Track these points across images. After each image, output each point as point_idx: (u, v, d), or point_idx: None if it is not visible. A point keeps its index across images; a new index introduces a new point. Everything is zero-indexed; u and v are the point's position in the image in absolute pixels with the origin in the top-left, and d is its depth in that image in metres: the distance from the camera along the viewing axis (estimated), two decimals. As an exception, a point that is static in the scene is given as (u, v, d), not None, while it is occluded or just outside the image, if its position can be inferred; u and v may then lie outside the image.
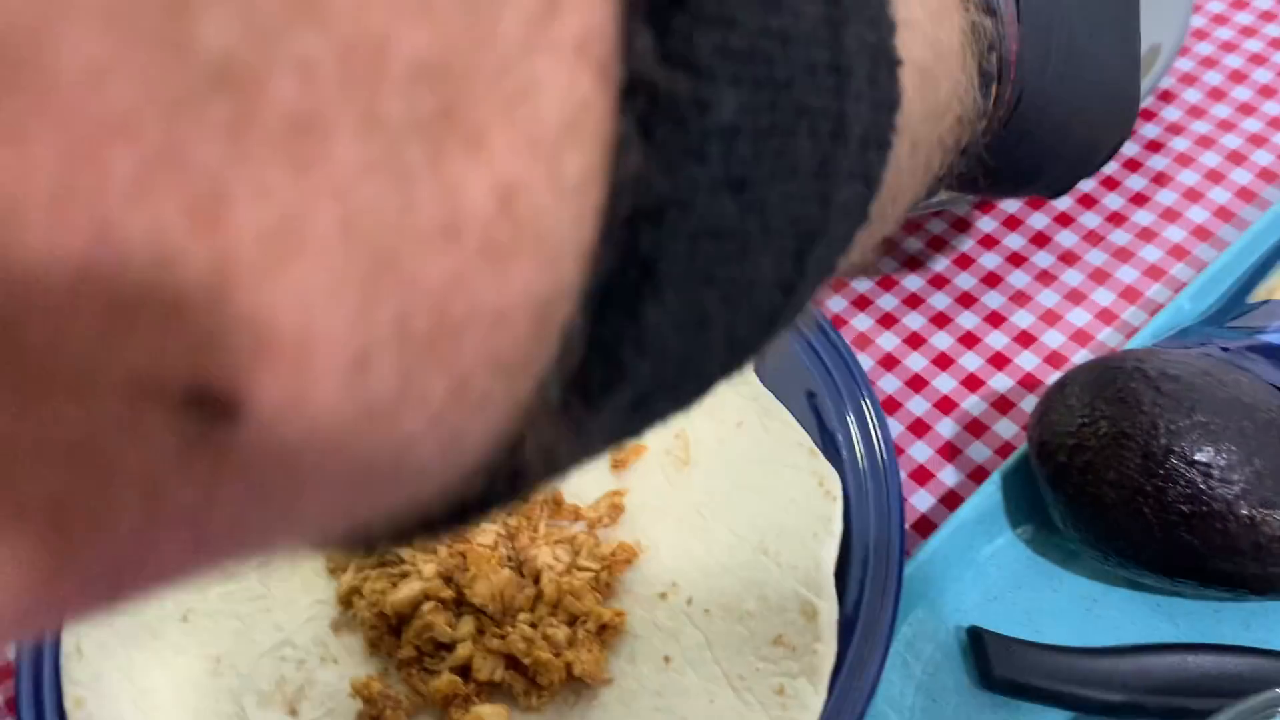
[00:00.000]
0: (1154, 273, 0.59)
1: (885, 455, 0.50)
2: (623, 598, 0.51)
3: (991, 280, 0.61)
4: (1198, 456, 0.42)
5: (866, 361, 0.59)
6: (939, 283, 0.61)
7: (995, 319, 0.59)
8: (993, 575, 0.50)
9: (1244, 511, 0.42)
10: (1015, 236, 0.62)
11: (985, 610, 0.49)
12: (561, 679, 0.48)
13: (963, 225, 0.64)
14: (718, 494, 0.53)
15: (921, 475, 0.55)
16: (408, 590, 0.50)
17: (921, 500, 0.54)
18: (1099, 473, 0.44)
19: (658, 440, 0.56)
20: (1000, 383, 0.57)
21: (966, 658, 0.48)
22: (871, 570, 0.47)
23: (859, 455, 0.50)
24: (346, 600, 0.52)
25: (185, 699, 0.50)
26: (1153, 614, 0.48)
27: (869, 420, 0.51)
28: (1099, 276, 0.60)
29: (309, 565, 0.54)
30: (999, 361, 0.58)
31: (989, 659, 0.46)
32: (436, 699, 0.48)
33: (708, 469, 0.54)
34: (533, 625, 0.49)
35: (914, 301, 0.61)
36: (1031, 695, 0.46)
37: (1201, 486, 0.42)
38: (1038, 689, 0.45)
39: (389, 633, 0.51)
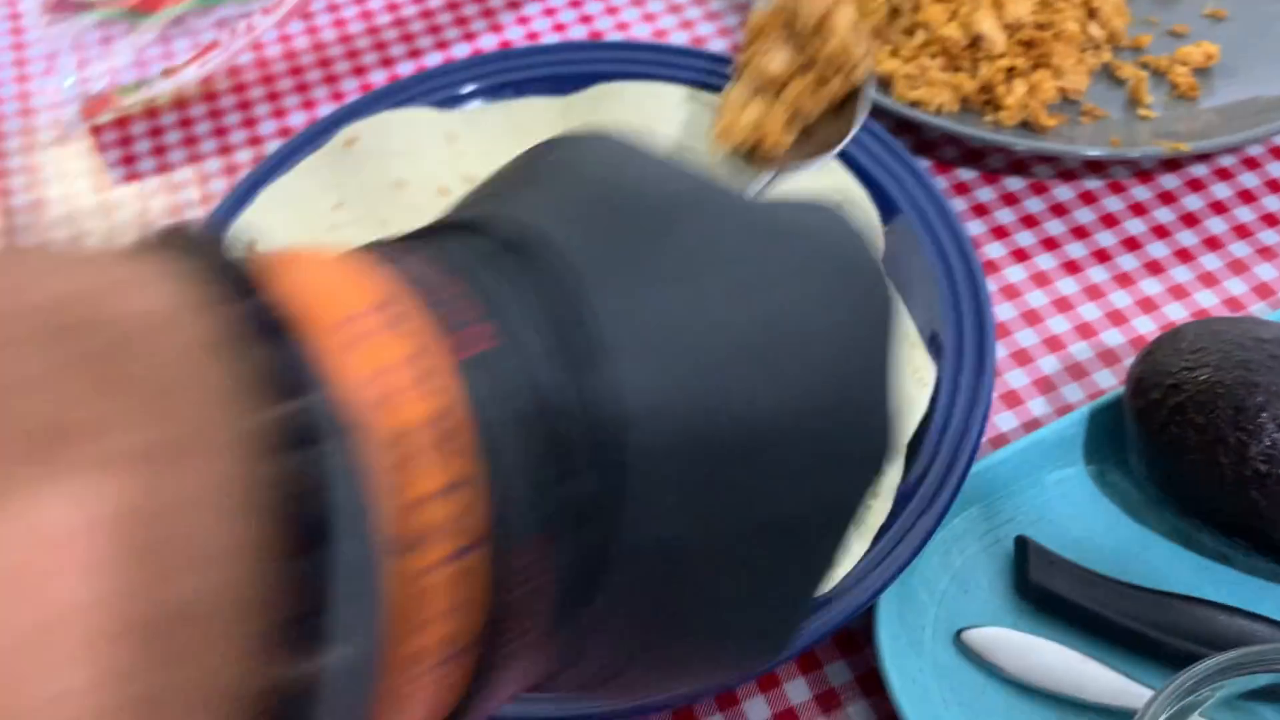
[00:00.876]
0: (1295, 277, 0.59)
1: (986, 356, 0.51)
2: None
3: (1131, 244, 0.61)
4: (1290, 420, 0.43)
5: (989, 285, 0.60)
6: (1080, 233, 0.62)
7: (1124, 279, 0.60)
8: (1054, 500, 0.51)
9: (1319, 486, 0.43)
10: (1165, 210, 0.63)
11: (1038, 528, 0.50)
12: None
13: (1117, 188, 0.64)
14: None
15: (1011, 399, 0.56)
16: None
17: (1005, 421, 0.55)
18: (1188, 414, 0.45)
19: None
20: (1111, 337, 0.58)
21: (1006, 565, 0.50)
22: (943, 453, 0.49)
23: (963, 349, 0.52)
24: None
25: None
26: (1197, 575, 0.49)
27: (982, 320, 0.52)
28: (1236, 267, 0.60)
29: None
30: (1116, 318, 0.58)
31: (1028, 564, 0.48)
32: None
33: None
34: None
35: (1050, 244, 0.62)
36: (1059, 608, 0.47)
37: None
38: (1067, 602, 0.47)
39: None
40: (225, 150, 0.70)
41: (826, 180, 0.61)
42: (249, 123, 0.72)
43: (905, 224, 0.57)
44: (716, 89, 0.65)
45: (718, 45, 0.74)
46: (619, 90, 0.66)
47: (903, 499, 0.48)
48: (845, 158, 0.61)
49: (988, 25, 0.64)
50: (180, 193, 0.68)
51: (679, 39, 0.74)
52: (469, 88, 0.66)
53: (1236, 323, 0.47)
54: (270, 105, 0.73)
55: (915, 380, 0.52)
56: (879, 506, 0.47)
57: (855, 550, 0.46)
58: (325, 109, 0.72)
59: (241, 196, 0.61)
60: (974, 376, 0.51)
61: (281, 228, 0.60)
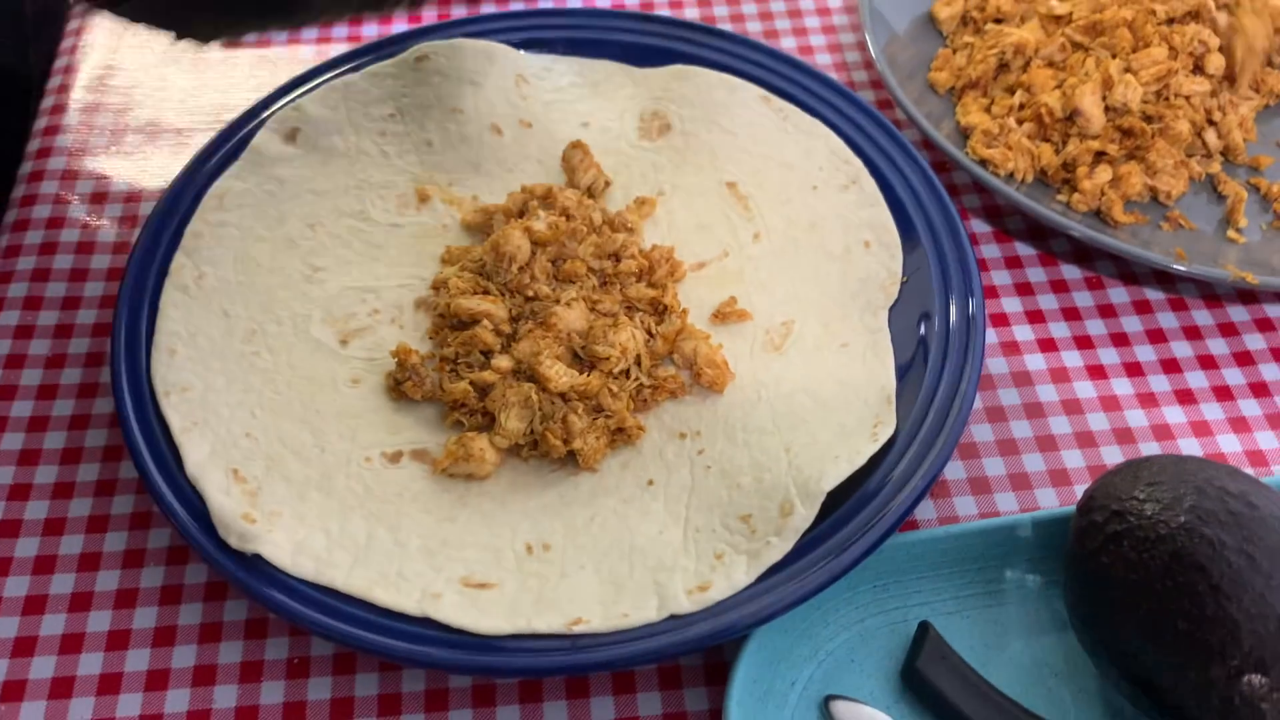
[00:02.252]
0: (1337, 448, 0.54)
1: (951, 433, 0.48)
2: (647, 418, 0.52)
3: (1169, 366, 0.57)
4: (1223, 585, 0.39)
5: (1003, 366, 0.57)
6: (1119, 340, 0.58)
7: (1148, 399, 0.56)
8: (980, 597, 0.48)
9: (1221, 667, 0.39)
10: (1220, 342, 0.58)
11: (950, 621, 0.47)
12: (559, 454, 0.50)
13: (1178, 304, 0.59)
14: (784, 384, 0.53)
15: (979, 485, 0.53)
16: (475, 304, 0.53)
17: (964, 505, 0.52)
18: (1123, 547, 0.41)
19: (766, 316, 0.56)
20: (1111, 454, 0.54)
21: (903, 646, 0.47)
22: (865, 513, 0.46)
23: (925, 420, 0.49)
24: (437, 286, 0.56)
25: (272, 283, 0.56)
26: (1100, 716, 0.45)
27: (956, 399, 0.50)
28: (1276, 420, 0.55)
29: (431, 246, 0.59)
30: (1123, 436, 0.54)
31: (921, 652, 0.45)
32: (449, 398, 0.51)
33: (790, 363, 0.54)
34: (564, 397, 0.51)
35: (1083, 343, 0.58)
36: (937, 706, 0.45)
37: (1207, 612, 0.39)
38: (946, 701, 0.44)
39: (449, 328, 0.54)
40: (324, 40, 0.72)
41: (865, 213, 0.58)
42: (355, 21, 0.73)
43: (925, 278, 0.55)
44: (782, 93, 0.63)
45: (823, 59, 0.72)
46: (694, 74, 0.64)
47: (810, 544, 0.46)
48: (889, 193, 0.58)
49: (1089, 101, 0.60)
50: (267, 69, 0.70)
51: (787, 43, 0.72)
52: (549, 35, 0.66)
53: (1209, 467, 0.43)
54: (379, 11, 0.74)
55: (870, 433, 0.49)
56: (776, 545, 0.45)
57: (737, 579, 0.45)
58: (399, 28, 0.72)
59: (304, 80, 0.63)
60: (925, 447, 0.48)
61: (332, 121, 0.62)
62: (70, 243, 0.61)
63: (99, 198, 0.63)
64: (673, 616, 0.44)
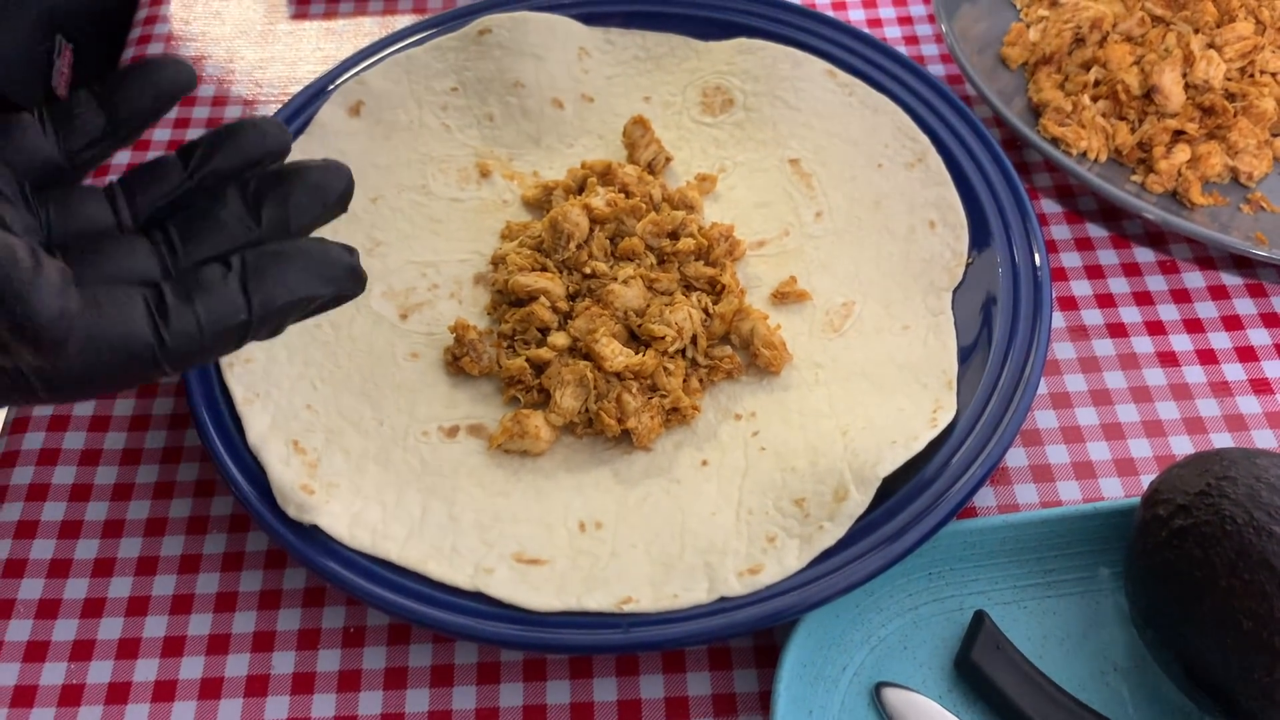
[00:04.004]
0: None
1: (1013, 420, 0.47)
2: (702, 398, 0.52)
3: (1245, 354, 0.55)
4: (1294, 585, 0.38)
5: (1070, 351, 0.55)
6: (1193, 326, 0.56)
7: (1221, 388, 0.54)
8: (1039, 588, 0.47)
9: (1304, 663, 0.37)
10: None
11: (1007, 611, 0.47)
12: (614, 433, 0.50)
13: (1257, 290, 0.57)
14: (843, 367, 0.52)
15: (1041, 473, 0.52)
16: (533, 280, 0.53)
17: (1025, 493, 0.51)
18: (1187, 543, 0.40)
19: (826, 297, 0.55)
20: (1181, 444, 0.52)
21: (957, 635, 0.46)
22: (924, 500, 0.45)
23: (987, 406, 0.48)
24: (495, 262, 0.56)
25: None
26: (1153, 718, 0.44)
27: (1021, 384, 0.48)
28: (1360, 414, 0.53)
29: (491, 221, 0.59)
30: (1194, 426, 0.53)
31: (976, 641, 0.44)
32: (505, 374, 0.52)
33: (849, 345, 0.53)
34: (619, 376, 0.51)
35: (1155, 328, 0.56)
36: (990, 696, 0.44)
37: (1276, 612, 0.38)
38: (1000, 692, 0.43)
39: (507, 304, 0.54)
40: (390, 12, 0.73)
41: (931, 191, 0.57)
42: (419, -7, 0.74)
43: (991, 258, 0.54)
44: (848, 67, 0.62)
45: (892, 32, 0.70)
46: (758, 48, 0.63)
47: (864, 530, 0.45)
48: (957, 172, 0.57)
49: (1168, 79, 0.58)
50: (332, 42, 0.71)
51: (855, 15, 0.71)
52: (611, 8, 0.65)
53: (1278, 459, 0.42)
54: (445, -18, 0.74)
55: (929, 417, 0.48)
56: (830, 530, 0.45)
57: (789, 563, 0.44)
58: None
59: (371, 52, 0.63)
60: (986, 433, 0.47)
61: (395, 95, 0.62)
62: (141, 213, 0.62)
63: (169, 169, 0.64)
64: (723, 599, 0.44)
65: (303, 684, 0.46)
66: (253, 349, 0.52)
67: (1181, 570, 0.40)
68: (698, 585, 0.44)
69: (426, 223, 0.59)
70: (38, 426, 0.54)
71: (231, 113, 0.67)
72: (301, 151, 0.59)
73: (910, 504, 0.46)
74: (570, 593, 0.44)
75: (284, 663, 0.47)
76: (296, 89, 0.68)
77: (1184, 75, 0.58)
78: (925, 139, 0.59)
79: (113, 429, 0.54)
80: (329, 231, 0.57)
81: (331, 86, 0.62)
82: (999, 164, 0.57)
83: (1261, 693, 0.38)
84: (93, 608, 0.48)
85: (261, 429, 0.49)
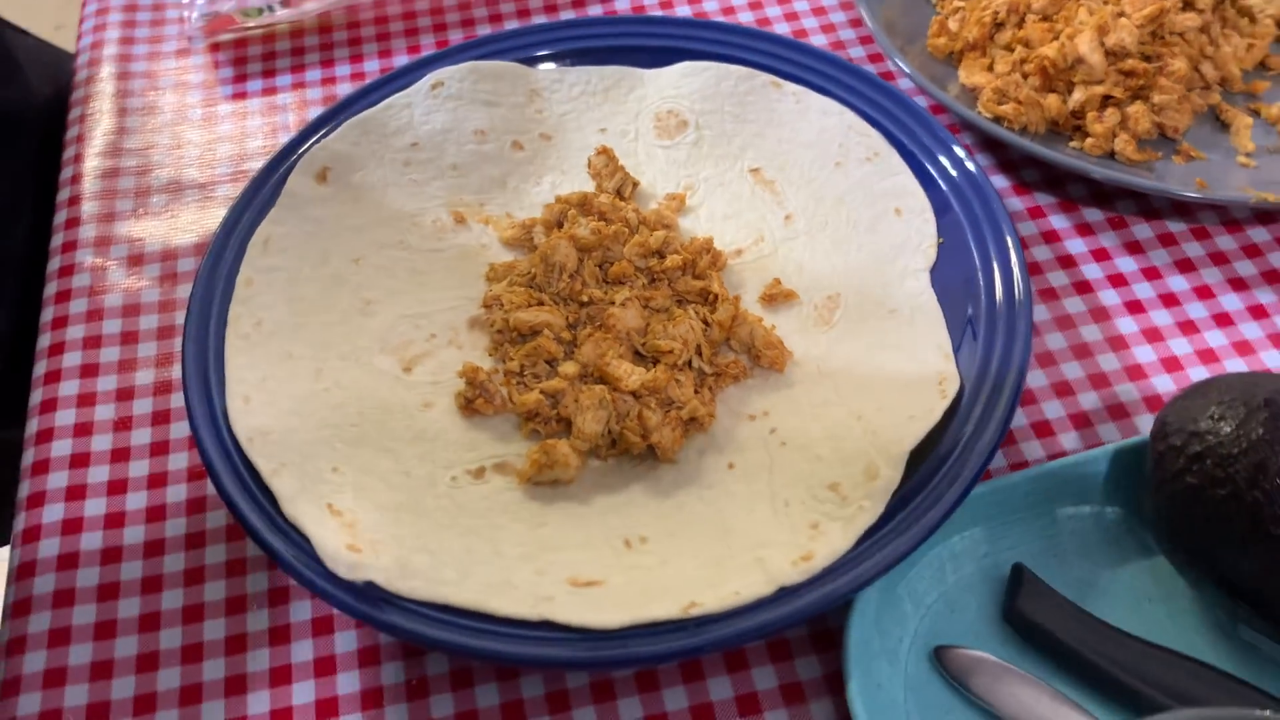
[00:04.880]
0: (1375, 350, 0.56)
1: (1015, 378, 0.50)
2: (715, 407, 0.54)
3: (1203, 293, 0.59)
4: (1311, 487, 0.41)
5: (1044, 313, 0.58)
6: (1150, 274, 0.60)
7: (1188, 326, 0.58)
8: (1063, 535, 0.50)
9: (1332, 557, 0.40)
10: (1248, 264, 0.60)
11: (1039, 561, 0.49)
12: (639, 449, 0.51)
13: (1201, 234, 0.61)
14: (840, 357, 0.55)
15: (1042, 429, 0.54)
16: (534, 315, 0.54)
17: (1031, 449, 0.54)
18: (1206, 466, 0.43)
19: (810, 293, 0.57)
20: (1163, 383, 0.56)
21: (999, 590, 0.48)
22: (948, 466, 0.48)
23: (990, 371, 0.51)
24: (489, 304, 0.57)
25: (328, 321, 0.57)
26: (1197, 637, 0.47)
27: (1015, 343, 0.51)
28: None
29: (473, 265, 0.60)
30: (1171, 364, 0.56)
31: (1019, 593, 0.47)
32: (522, 409, 0.53)
33: (843, 335, 0.56)
34: (634, 395, 0.52)
35: (1117, 280, 0.60)
36: (1043, 641, 0.46)
37: (1300, 514, 0.41)
38: (1051, 636, 0.46)
39: (509, 343, 0.55)
40: (329, 81, 0.73)
41: (890, 182, 0.60)
42: (356, 58, 0.74)
43: (960, 235, 0.56)
44: (791, 77, 0.65)
45: (818, 40, 0.73)
46: (702, 69, 0.66)
47: (899, 504, 0.47)
48: (910, 160, 0.60)
49: (1088, 48, 0.62)
50: (278, 115, 0.71)
51: (780, 29, 0.74)
52: (555, 49, 0.67)
53: (1274, 378, 0.45)
54: (378, 45, 0.75)
55: (937, 389, 0.51)
56: (869, 508, 0.47)
57: (837, 545, 0.46)
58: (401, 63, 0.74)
59: (325, 120, 0.63)
60: (993, 394, 0.49)
61: (357, 158, 0.63)
62: (115, 307, 0.62)
63: (135, 260, 0.64)
64: (782, 588, 0.45)
65: (376, 743, 0.46)
66: (267, 420, 0.52)
67: (1205, 493, 0.43)
68: (755, 579, 0.46)
69: (411, 276, 0.59)
70: (50, 533, 0.53)
71: (190, 196, 0.67)
72: (276, 222, 0.59)
73: (936, 473, 0.48)
74: (633, 606, 0.45)
75: (353, 725, 0.47)
76: (253, 164, 0.68)
77: (1101, 44, 0.62)
78: (877, 134, 0.62)
79: (129, 524, 0.53)
80: (317, 294, 0.57)
81: (294, 157, 0.62)
82: (947, 147, 0.60)
83: (1299, 591, 0.41)
84: (144, 704, 0.48)
85: (292, 496, 0.49)
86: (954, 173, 0.59)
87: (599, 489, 0.51)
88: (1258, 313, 0.58)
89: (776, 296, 0.57)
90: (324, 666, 0.48)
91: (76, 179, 0.69)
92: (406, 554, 0.47)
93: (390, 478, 0.51)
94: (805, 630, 0.49)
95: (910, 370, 0.53)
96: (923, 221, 0.58)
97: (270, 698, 0.47)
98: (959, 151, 0.59)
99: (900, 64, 0.64)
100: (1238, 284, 0.59)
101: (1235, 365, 0.56)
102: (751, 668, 0.48)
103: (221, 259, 0.58)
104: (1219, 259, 0.60)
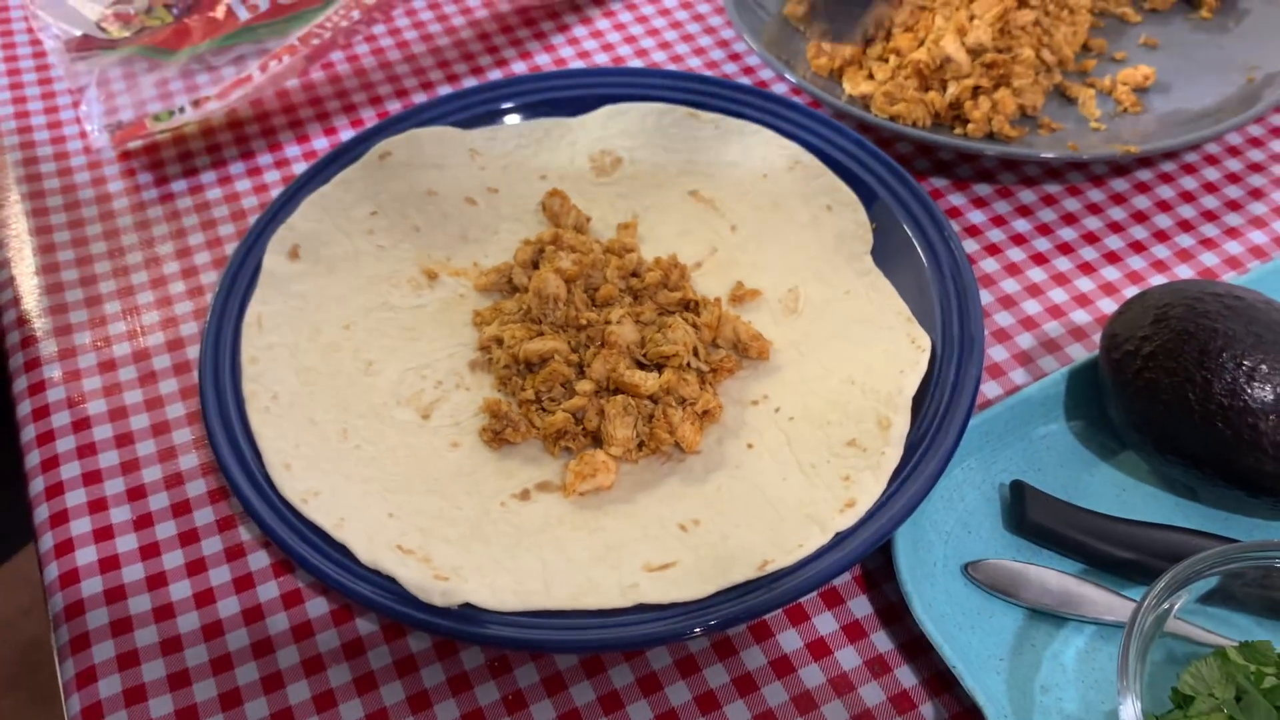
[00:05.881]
0: (1257, 252, 0.67)
1: (974, 326, 0.57)
2: (720, 400, 0.59)
3: (1090, 238, 0.69)
4: (1245, 361, 0.50)
5: (966, 274, 0.67)
6: (1044, 230, 0.69)
7: (1086, 268, 0.67)
8: (1041, 452, 0.57)
9: (1275, 414, 0.49)
10: (1118, 209, 0.70)
11: (1028, 477, 0.56)
12: (669, 446, 0.56)
13: (1075, 191, 0.71)
14: (816, 338, 0.61)
15: (995, 370, 0.62)
16: (542, 344, 0.58)
17: (990, 389, 0.62)
18: (1159, 361, 0.52)
19: (772, 290, 0.64)
20: (1080, 316, 0.65)
21: (1003, 509, 0.55)
22: (944, 407, 0.54)
23: (953, 320, 0.58)
24: (486, 346, 0.61)
25: (338, 385, 0.59)
26: (1170, 513, 0.55)
27: (966, 297, 0.59)
28: (1183, 255, 0.68)
29: (457, 315, 0.63)
30: (1082, 300, 0.65)
31: (1025, 505, 0.54)
32: (549, 431, 0.56)
33: (812, 319, 0.62)
34: (653, 399, 0.57)
35: (1018, 240, 0.69)
36: (1055, 542, 0.53)
37: (1244, 384, 0.50)
38: (1061, 536, 0.53)
39: (518, 375, 0.59)
40: (254, 171, 0.75)
41: (816, 183, 0.67)
42: (275, 146, 0.77)
43: (890, 216, 0.64)
44: (714, 109, 0.71)
45: (730, 68, 0.81)
46: (625, 110, 0.72)
47: (912, 447, 0.54)
48: (829, 162, 0.68)
49: (953, 48, 0.72)
50: (213, 209, 0.73)
51: (694, 64, 0.81)
52: (485, 109, 0.72)
53: (1193, 283, 0.54)
54: (293, 132, 0.78)
55: (913, 347, 0.58)
56: (891, 453, 0.53)
57: (874, 489, 0.52)
58: (346, 135, 0.77)
59: (286, 201, 0.66)
60: (964, 344, 0.57)
61: (322, 232, 0.65)
62: (101, 413, 0.62)
63: (107, 365, 0.64)
64: (837, 535, 0.51)
65: (495, 756, 0.48)
66: (312, 482, 0.54)
67: (1162, 382, 0.52)
68: (813, 532, 0.51)
69: (402, 333, 0.62)
70: (92, 619, 0.52)
71: (144, 297, 0.67)
72: (263, 301, 0.61)
73: (937, 414, 0.55)
74: (713, 576, 0.50)
75: (467, 746, 0.49)
76: (201, 258, 0.69)
77: (963, 44, 0.72)
78: (794, 145, 0.69)
79: (219, 598, 0.53)
80: (320, 363, 0.59)
81: (262, 237, 0.64)
82: (860, 144, 0.68)
83: (1258, 449, 0.50)
84: (253, 773, 0.48)
85: (363, 543, 0.51)
86: (872, 165, 0.67)
87: (639, 489, 0.55)
88: (1137, 248, 0.68)
89: (744, 296, 0.63)
90: (419, 702, 0.50)
91: (16, 301, 0.68)
92: (490, 576, 0.50)
93: (445, 513, 0.54)
94: (848, 577, 0.54)
95: (883, 336, 0.60)
96: (853, 211, 0.66)
97: (378, 739, 0.49)
98: (872, 147, 0.67)
99: (796, 80, 0.72)
100: (1115, 227, 0.69)
101: (1133, 292, 0.66)
102: (812, 618, 0.53)
103: (221, 339, 0.59)
104: (1095, 209, 0.70)
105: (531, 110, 0.73)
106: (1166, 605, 0.47)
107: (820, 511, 0.52)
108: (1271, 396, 0.50)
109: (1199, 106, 0.73)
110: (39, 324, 0.66)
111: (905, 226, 0.64)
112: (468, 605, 0.49)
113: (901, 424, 0.54)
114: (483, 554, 0.52)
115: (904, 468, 0.53)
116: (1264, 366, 0.50)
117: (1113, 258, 0.68)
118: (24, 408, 0.63)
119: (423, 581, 0.49)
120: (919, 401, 0.56)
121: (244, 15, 0.81)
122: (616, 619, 0.48)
